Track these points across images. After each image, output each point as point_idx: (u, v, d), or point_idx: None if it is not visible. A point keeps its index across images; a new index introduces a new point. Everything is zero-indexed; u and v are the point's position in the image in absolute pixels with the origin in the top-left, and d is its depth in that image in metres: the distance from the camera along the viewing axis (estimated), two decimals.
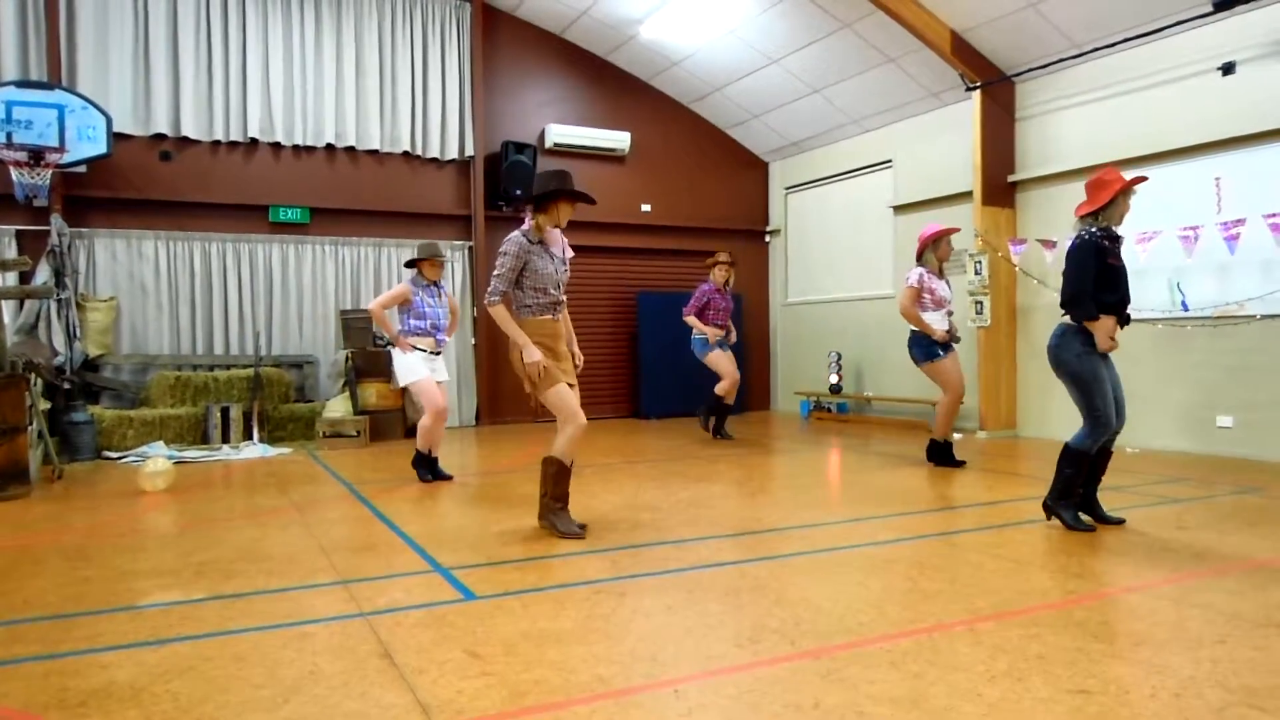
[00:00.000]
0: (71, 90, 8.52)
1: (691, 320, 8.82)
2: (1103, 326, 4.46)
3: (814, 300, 12.08)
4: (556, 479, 4.58)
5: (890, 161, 10.76)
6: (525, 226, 4.62)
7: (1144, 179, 4.69)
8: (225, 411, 8.73)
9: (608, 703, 2.46)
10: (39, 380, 7.40)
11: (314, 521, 5.09)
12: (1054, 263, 8.61)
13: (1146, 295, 7.97)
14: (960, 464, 7.02)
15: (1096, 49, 8.18)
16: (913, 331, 6.94)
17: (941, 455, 7.04)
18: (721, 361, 8.76)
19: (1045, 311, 8.96)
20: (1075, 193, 8.54)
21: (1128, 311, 4.59)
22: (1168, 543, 4.32)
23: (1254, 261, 7.15)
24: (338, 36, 10.05)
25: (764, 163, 12.88)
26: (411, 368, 6.41)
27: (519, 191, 10.66)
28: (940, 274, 7.01)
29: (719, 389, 8.88)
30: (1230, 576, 3.69)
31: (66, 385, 8.23)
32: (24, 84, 8.28)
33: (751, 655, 2.81)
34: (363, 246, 10.20)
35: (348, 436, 8.87)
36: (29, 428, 6.31)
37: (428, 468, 6.56)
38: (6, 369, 6.25)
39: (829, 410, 11.43)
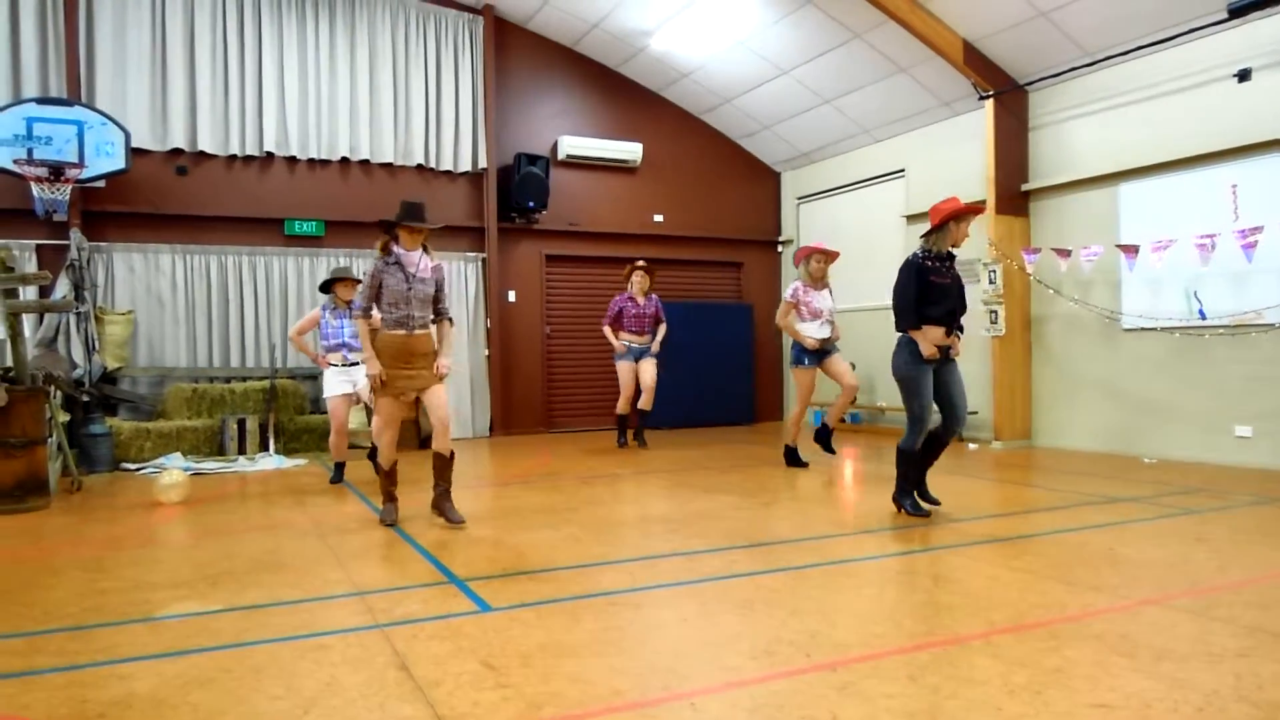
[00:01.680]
0: (90, 106, 8.63)
1: (605, 331, 9.20)
2: (923, 335, 5.07)
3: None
4: (381, 478, 5.43)
5: (902, 171, 10.75)
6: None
7: (977, 209, 5.23)
8: (241, 423, 8.78)
9: (624, 715, 2.45)
10: (58, 393, 7.46)
11: (329, 533, 5.11)
12: (1067, 271, 8.58)
13: (1163, 304, 7.93)
14: (804, 465, 7.62)
15: (1110, 57, 8.15)
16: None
17: (792, 457, 7.68)
18: (623, 374, 9.13)
19: (1060, 320, 8.92)
20: (1089, 201, 8.60)
21: (959, 322, 5.21)
22: (1187, 554, 4.28)
23: (1272, 269, 7.09)
24: (351, 51, 10.14)
25: (775, 173, 12.89)
26: (328, 384, 7.05)
27: (531, 204, 10.72)
28: (819, 286, 7.46)
29: (619, 405, 9.29)
30: (1251, 588, 3.65)
31: (85, 398, 8.29)
32: (44, 101, 8.39)
33: (767, 667, 2.80)
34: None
35: (362, 448, 8.89)
36: (48, 440, 6.37)
37: (339, 473, 7.19)
38: (27, 382, 6.31)
39: (841, 420, 11.37)
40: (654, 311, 9.23)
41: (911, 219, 10.51)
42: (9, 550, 4.80)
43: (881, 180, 11.11)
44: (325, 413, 9.63)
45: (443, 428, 5.23)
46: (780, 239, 12.84)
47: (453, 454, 5.29)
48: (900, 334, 5.19)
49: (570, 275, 11.59)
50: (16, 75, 8.68)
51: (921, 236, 5.27)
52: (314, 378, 9.82)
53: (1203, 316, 7.60)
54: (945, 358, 5.19)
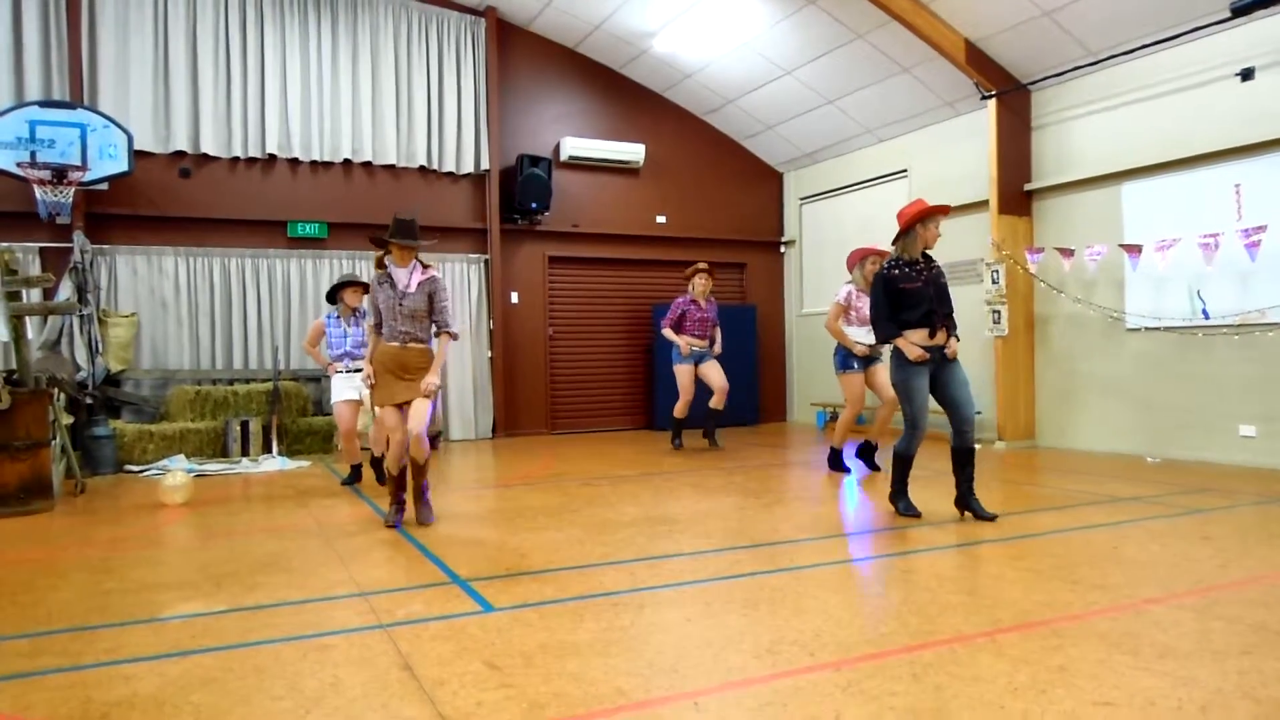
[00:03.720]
0: (93, 109, 8.64)
1: (667, 333, 8.89)
2: (903, 341, 5.11)
3: (829, 311, 12.03)
4: (389, 482, 5.42)
5: (905, 171, 10.74)
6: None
7: (942, 210, 5.20)
8: (244, 425, 8.79)
9: (627, 715, 2.45)
10: (62, 395, 7.47)
11: (333, 534, 5.11)
12: (1071, 271, 8.57)
13: (1167, 303, 7.91)
14: (876, 469, 7.33)
15: (1113, 56, 8.14)
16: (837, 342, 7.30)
17: (836, 461, 7.44)
18: (684, 377, 8.83)
19: (1063, 321, 8.91)
20: (1092, 201, 8.59)
21: (951, 321, 5.16)
22: (1191, 553, 4.27)
23: (1276, 269, 7.07)
24: (354, 52, 10.15)
25: (778, 173, 12.89)
26: (335, 389, 7.02)
27: (534, 205, 10.72)
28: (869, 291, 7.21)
29: (678, 409, 8.97)
30: (1255, 588, 3.64)
31: (88, 400, 8.31)
32: (47, 104, 8.41)
33: (771, 667, 2.80)
34: None
35: (365, 450, 8.90)
36: (52, 442, 6.38)
37: (353, 476, 7.28)
38: (30, 384, 6.33)
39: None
40: (714, 315, 8.99)
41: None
42: (13, 552, 4.81)
43: (884, 180, 11.10)
44: (328, 415, 9.68)
45: (415, 436, 5.20)
46: (783, 240, 12.83)
47: (427, 461, 5.31)
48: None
49: (573, 277, 11.59)
50: (20, 78, 8.70)
51: (892, 243, 5.29)
52: (317, 380, 9.84)
53: (1206, 316, 7.59)
54: (943, 360, 5.16)
